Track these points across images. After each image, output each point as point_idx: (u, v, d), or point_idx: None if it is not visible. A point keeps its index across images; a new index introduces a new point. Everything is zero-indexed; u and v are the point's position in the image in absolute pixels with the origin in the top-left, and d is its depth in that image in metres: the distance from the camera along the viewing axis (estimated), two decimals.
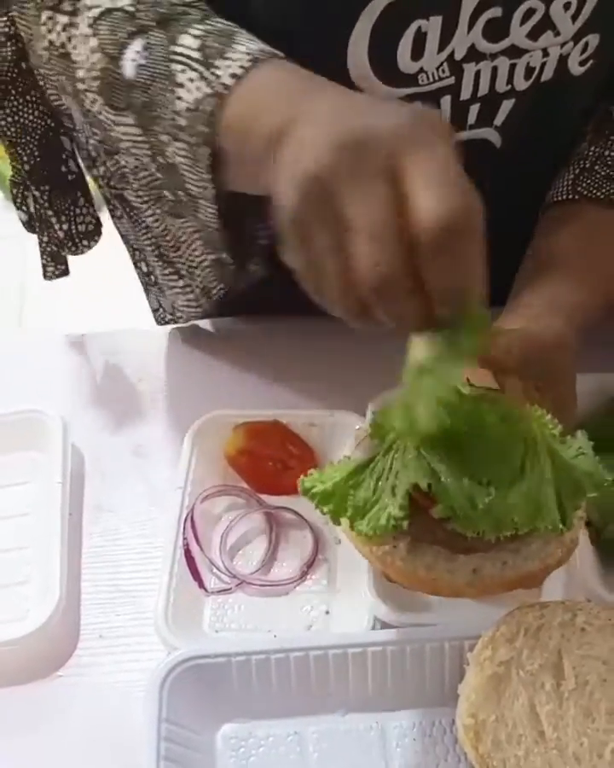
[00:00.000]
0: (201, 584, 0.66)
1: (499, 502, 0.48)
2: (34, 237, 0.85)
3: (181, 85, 0.57)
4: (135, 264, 0.86)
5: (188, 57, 0.57)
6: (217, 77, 0.55)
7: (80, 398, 0.81)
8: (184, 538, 0.66)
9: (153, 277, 0.85)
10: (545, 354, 0.58)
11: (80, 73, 0.64)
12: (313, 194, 0.44)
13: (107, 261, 0.88)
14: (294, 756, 0.58)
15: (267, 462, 0.71)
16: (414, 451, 0.49)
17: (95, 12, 0.62)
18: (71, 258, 0.85)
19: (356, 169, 0.44)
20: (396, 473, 0.49)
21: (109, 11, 0.61)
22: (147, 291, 0.92)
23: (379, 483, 0.50)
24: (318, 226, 0.45)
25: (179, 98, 0.57)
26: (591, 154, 0.69)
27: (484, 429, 0.49)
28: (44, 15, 0.65)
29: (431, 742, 0.58)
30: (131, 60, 0.59)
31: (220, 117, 0.54)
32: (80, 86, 0.65)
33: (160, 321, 0.91)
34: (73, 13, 0.64)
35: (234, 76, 0.54)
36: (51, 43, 0.66)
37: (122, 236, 0.85)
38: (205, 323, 0.87)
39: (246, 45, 0.56)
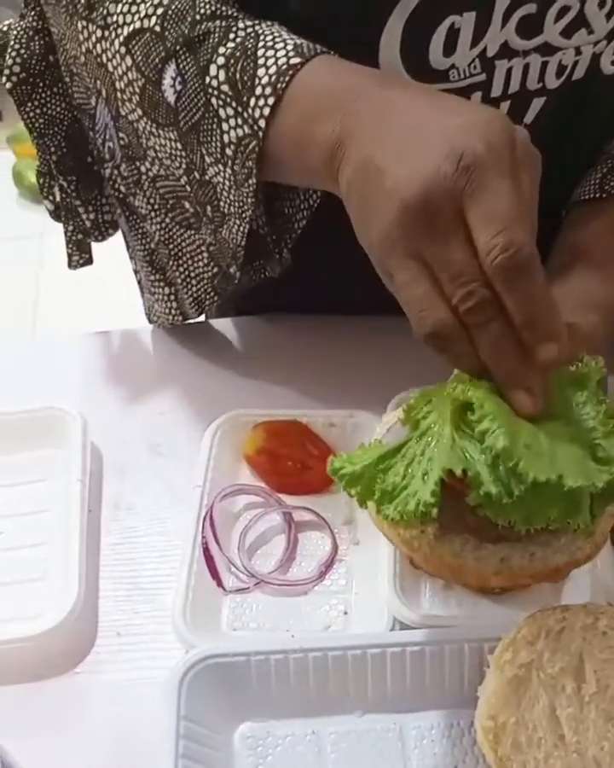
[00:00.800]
0: (220, 583, 0.65)
1: (534, 494, 0.47)
2: (49, 237, 0.85)
3: (223, 120, 0.59)
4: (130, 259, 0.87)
5: (222, 92, 0.59)
6: (252, 117, 0.57)
7: (98, 397, 0.81)
8: (203, 537, 0.66)
9: (138, 278, 0.86)
10: (578, 349, 0.56)
11: (120, 85, 0.65)
12: (394, 253, 0.49)
13: (123, 259, 0.88)
14: (312, 756, 0.58)
15: (286, 462, 0.71)
16: (449, 438, 0.48)
17: (126, 31, 0.63)
18: (86, 267, 0.87)
19: (426, 227, 0.48)
20: (428, 459, 0.48)
21: (139, 31, 0.62)
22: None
23: (409, 469, 0.49)
24: (407, 275, 0.49)
25: (224, 132, 0.59)
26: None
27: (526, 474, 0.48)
28: (79, 24, 0.66)
29: (449, 744, 0.58)
30: (170, 86, 0.61)
31: (263, 153, 0.57)
32: (119, 95, 0.66)
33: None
34: (105, 27, 0.65)
35: (266, 115, 0.56)
36: (88, 50, 0.66)
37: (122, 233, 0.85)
38: (224, 322, 0.87)
39: (274, 62, 0.57)
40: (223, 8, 0.61)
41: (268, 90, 0.56)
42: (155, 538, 0.70)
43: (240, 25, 0.60)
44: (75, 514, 0.67)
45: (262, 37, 0.58)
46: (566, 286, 0.62)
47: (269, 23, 0.61)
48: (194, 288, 0.79)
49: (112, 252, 0.88)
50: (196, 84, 0.60)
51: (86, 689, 0.62)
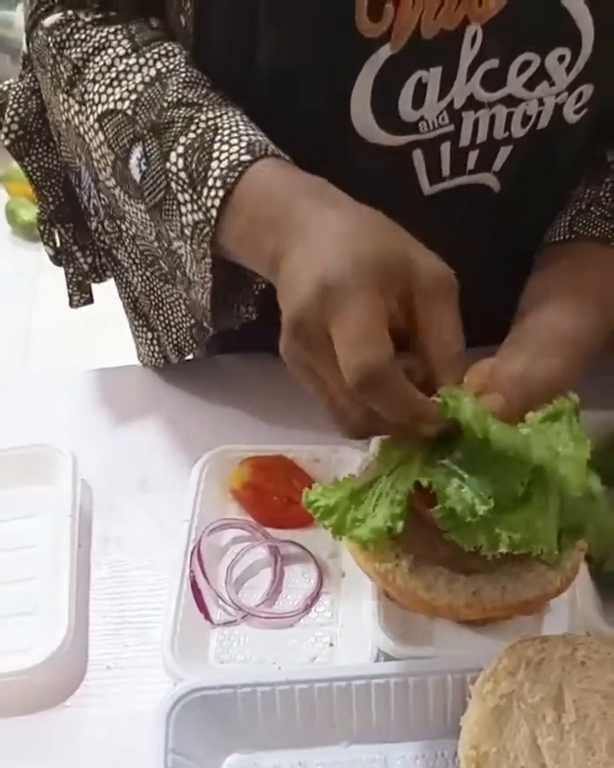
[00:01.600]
0: (207, 616, 0.66)
1: (498, 517, 0.49)
2: (42, 274, 0.88)
3: (182, 203, 0.63)
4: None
5: (180, 178, 0.63)
6: (205, 205, 0.61)
7: (88, 434, 0.82)
8: (191, 571, 0.67)
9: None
10: (549, 390, 0.58)
11: (95, 155, 0.69)
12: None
13: (115, 298, 0.90)
14: None
15: (272, 497, 0.72)
16: (418, 466, 0.51)
17: (99, 110, 0.67)
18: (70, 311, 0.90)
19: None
20: (396, 483, 0.51)
21: (112, 112, 0.67)
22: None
23: (380, 499, 0.52)
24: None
25: (182, 214, 0.63)
26: (587, 196, 0.71)
27: (492, 450, 0.50)
28: (61, 96, 0.70)
29: None
30: (136, 165, 0.65)
31: (217, 236, 0.61)
32: (95, 164, 0.69)
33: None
34: (83, 102, 0.69)
35: (216, 205, 0.60)
36: (68, 120, 0.70)
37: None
38: (211, 360, 0.89)
39: (227, 157, 0.61)
40: (190, 95, 0.65)
41: (219, 183, 0.60)
42: (144, 572, 0.71)
43: (203, 117, 0.64)
44: (65, 549, 0.68)
45: (219, 131, 0.62)
46: (538, 320, 0.64)
47: (231, 113, 0.64)
48: (175, 336, 0.83)
49: (104, 291, 0.90)
50: (158, 167, 0.64)
51: (76, 723, 0.63)
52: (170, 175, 0.63)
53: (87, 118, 0.68)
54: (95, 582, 0.70)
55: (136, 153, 0.65)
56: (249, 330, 0.83)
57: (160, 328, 0.84)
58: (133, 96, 0.66)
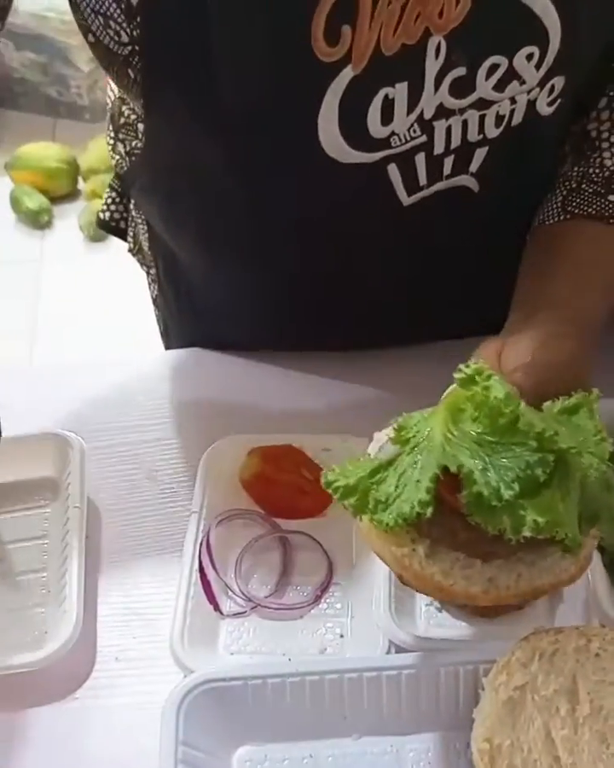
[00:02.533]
0: (217, 608, 0.66)
1: (522, 501, 0.49)
2: (47, 262, 0.88)
3: None
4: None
5: None
6: None
7: (96, 424, 0.81)
8: (200, 562, 0.67)
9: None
10: (560, 374, 0.58)
11: None
12: None
13: (122, 287, 0.89)
14: None
15: (281, 487, 0.72)
16: (440, 446, 0.50)
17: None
18: (84, 293, 0.90)
19: None
20: (420, 467, 0.51)
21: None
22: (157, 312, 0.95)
23: (402, 479, 0.51)
24: None
25: None
26: (575, 173, 0.70)
27: (518, 437, 0.50)
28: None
29: (445, 766, 0.58)
30: None
31: None
32: None
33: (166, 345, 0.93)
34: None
35: None
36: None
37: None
38: (211, 353, 0.88)
39: None
40: None
41: None
42: (153, 564, 0.70)
43: None
44: (74, 541, 0.68)
45: None
46: (542, 304, 0.64)
47: None
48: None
49: (111, 280, 0.90)
50: None
51: (86, 715, 0.63)
52: None
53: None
54: (103, 574, 0.70)
55: None
56: (258, 328, 0.83)
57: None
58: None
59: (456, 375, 0.53)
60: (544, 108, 0.67)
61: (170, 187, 0.75)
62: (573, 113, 0.71)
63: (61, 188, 2.41)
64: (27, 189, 2.36)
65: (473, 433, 0.51)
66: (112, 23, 0.62)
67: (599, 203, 0.68)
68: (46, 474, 0.75)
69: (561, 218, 0.69)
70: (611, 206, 0.68)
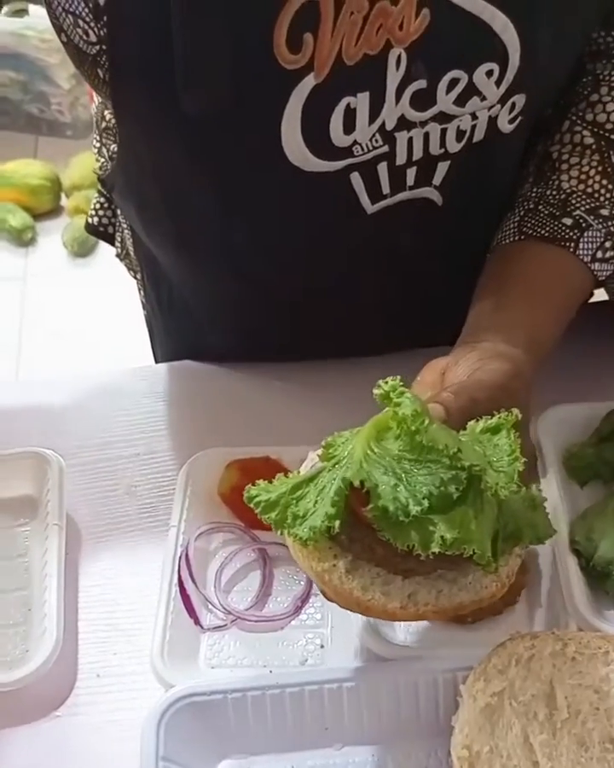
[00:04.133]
0: (197, 621, 0.66)
1: (432, 518, 0.49)
2: (32, 279, 0.89)
3: None
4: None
5: None
6: None
7: (75, 439, 0.82)
8: (179, 576, 0.67)
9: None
10: (492, 395, 0.59)
11: None
12: None
13: (105, 304, 0.90)
14: None
15: None
16: (358, 462, 0.51)
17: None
18: (68, 310, 0.91)
19: None
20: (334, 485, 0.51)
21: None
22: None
23: (320, 495, 0.52)
24: None
25: None
26: (533, 194, 0.71)
27: (434, 454, 0.51)
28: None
29: None
30: None
31: None
32: None
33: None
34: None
35: None
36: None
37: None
38: (197, 365, 0.88)
39: None
40: None
41: None
42: (133, 579, 0.70)
43: None
44: (53, 558, 0.68)
45: None
46: (489, 325, 0.66)
47: None
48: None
49: (95, 296, 0.90)
50: None
51: (68, 733, 0.62)
52: None
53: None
54: (83, 590, 0.70)
55: None
56: (237, 334, 0.84)
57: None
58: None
59: (374, 391, 0.53)
60: (505, 126, 0.68)
61: (143, 191, 0.76)
62: (536, 132, 0.72)
63: (44, 205, 2.42)
64: (10, 206, 2.36)
65: (394, 450, 0.51)
66: (80, 22, 0.63)
67: (552, 225, 0.69)
68: (25, 492, 0.75)
69: (516, 238, 0.70)
70: (564, 229, 0.68)
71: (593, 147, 0.70)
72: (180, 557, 0.68)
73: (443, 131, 0.66)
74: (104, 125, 0.84)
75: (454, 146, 0.67)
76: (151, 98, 0.64)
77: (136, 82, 0.64)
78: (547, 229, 0.69)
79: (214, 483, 0.73)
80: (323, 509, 0.51)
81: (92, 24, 0.62)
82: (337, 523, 0.50)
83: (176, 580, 0.67)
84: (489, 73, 0.63)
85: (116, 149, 0.80)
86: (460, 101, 0.64)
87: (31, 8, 2.35)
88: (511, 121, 0.68)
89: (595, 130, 0.70)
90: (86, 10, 0.62)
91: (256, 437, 0.78)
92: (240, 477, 0.73)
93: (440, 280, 0.75)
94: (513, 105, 0.66)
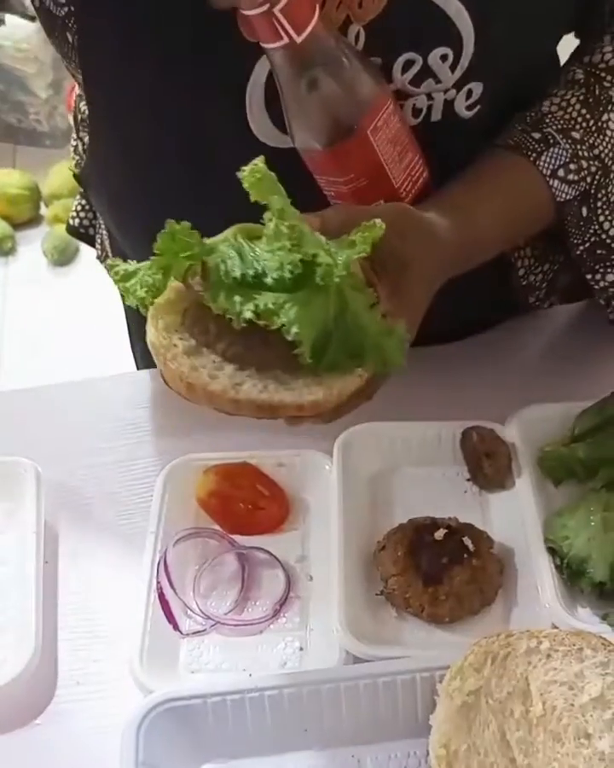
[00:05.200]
0: (176, 627, 0.66)
1: (259, 290, 0.50)
2: (10, 288, 0.89)
3: None
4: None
5: None
6: None
7: (53, 447, 0.82)
8: (158, 582, 0.67)
9: None
10: (373, 218, 0.56)
11: None
12: None
13: (84, 313, 0.90)
14: None
15: (238, 504, 0.72)
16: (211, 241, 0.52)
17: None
18: (48, 318, 0.91)
19: None
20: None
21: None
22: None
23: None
24: None
25: None
26: (515, 116, 0.72)
27: (280, 242, 0.51)
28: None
29: None
30: None
31: None
32: None
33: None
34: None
35: None
36: None
37: None
38: None
39: None
40: None
41: None
42: (112, 586, 0.70)
43: None
44: (31, 567, 0.68)
45: None
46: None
47: None
48: None
49: (75, 304, 0.91)
50: None
51: (48, 740, 0.62)
52: None
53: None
54: (62, 597, 0.70)
55: None
56: None
57: None
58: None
59: (240, 175, 0.54)
60: (463, 111, 0.69)
61: (114, 181, 0.77)
62: (498, 122, 0.72)
63: (24, 214, 2.41)
64: None
65: (255, 246, 0.52)
66: None
67: (521, 137, 0.70)
68: (3, 500, 0.75)
69: (485, 150, 0.71)
70: (531, 141, 0.70)
71: (582, 81, 0.71)
72: (158, 563, 0.68)
73: (400, 107, 0.67)
74: (80, 117, 0.85)
75: (410, 120, 0.69)
76: (116, 66, 0.66)
77: (102, 45, 0.65)
78: (515, 139, 0.70)
79: (192, 489, 0.74)
80: (159, 266, 0.52)
81: None
82: (162, 279, 0.52)
83: (154, 586, 0.67)
84: (444, 58, 0.65)
85: (88, 140, 0.81)
86: (416, 82, 0.66)
87: (7, 17, 2.35)
88: (469, 108, 0.69)
89: (588, 68, 0.72)
90: None
91: (234, 443, 0.78)
92: (218, 483, 0.73)
93: None
94: (470, 92, 0.68)
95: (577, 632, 0.59)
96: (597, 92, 0.71)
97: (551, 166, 0.69)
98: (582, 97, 0.71)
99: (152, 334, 0.55)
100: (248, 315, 0.50)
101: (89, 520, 0.76)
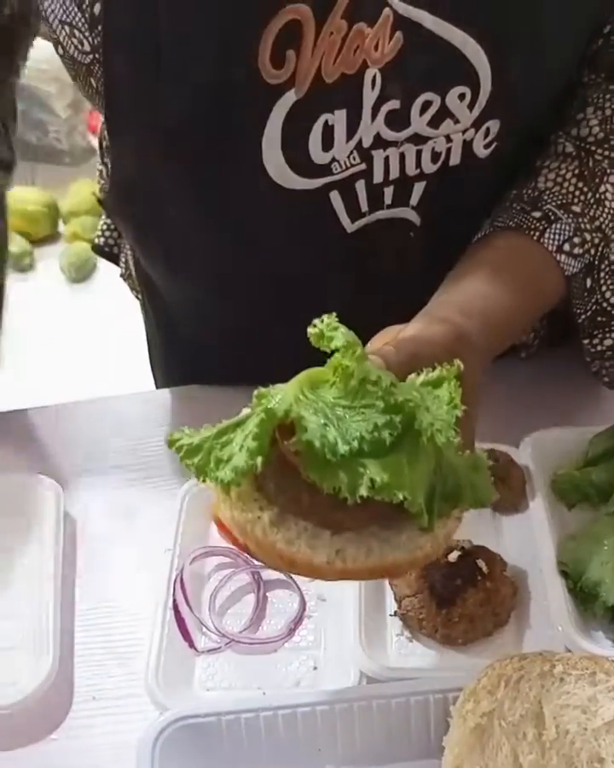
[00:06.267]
0: (191, 644, 0.67)
1: (361, 459, 0.46)
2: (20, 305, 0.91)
3: None
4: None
5: None
6: None
7: (72, 464, 0.83)
8: (174, 599, 0.68)
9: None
10: (435, 350, 0.56)
11: None
12: None
13: (103, 329, 0.91)
14: None
15: None
16: (287, 405, 0.47)
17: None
18: (67, 335, 0.92)
19: None
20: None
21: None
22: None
23: (246, 439, 0.47)
24: None
25: None
26: (510, 196, 0.72)
27: (368, 399, 0.47)
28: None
29: None
30: None
31: None
32: None
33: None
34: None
35: None
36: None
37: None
38: (189, 389, 0.90)
39: None
40: None
41: None
42: (128, 603, 0.71)
43: None
44: (48, 583, 0.69)
45: None
46: (445, 295, 0.66)
47: None
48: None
49: (94, 321, 0.92)
50: None
51: (63, 756, 0.63)
52: None
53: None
54: (79, 613, 0.71)
55: None
56: (227, 363, 0.85)
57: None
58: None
59: (310, 330, 0.50)
60: (481, 150, 0.70)
61: (134, 209, 0.78)
62: (515, 163, 0.73)
63: (42, 231, 2.44)
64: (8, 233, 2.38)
65: (329, 398, 0.48)
66: (76, 32, 0.66)
67: (521, 218, 0.70)
68: (22, 517, 0.76)
69: (486, 232, 0.71)
70: (533, 221, 0.69)
71: (573, 155, 0.72)
72: (175, 580, 0.69)
73: (419, 152, 0.68)
74: (105, 143, 0.86)
75: (429, 167, 0.70)
76: (138, 109, 0.67)
77: (125, 92, 0.67)
78: (515, 220, 0.70)
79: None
80: (246, 447, 0.46)
81: (87, 34, 0.65)
82: (260, 460, 0.46)
83: (171, 603, 0.68)
84: (462, 97, 0.66)
85: (111, 170, 0.83)
86: (434, 123, 0.67)
87: None
88: (486, 146, 0.70)
89: (577, 142, 0.72)
90: (82, 20, 0.65)
91: None
92: None
93: (421, 298, 0.76)
94: (488, 130, 0.69)
95: (590, 656, 0.60)
96: (591, 165, 0.71)
97: (556, 242, 0.69)
98: (576, 171, 0.71)
99: (227, 510, 0.50)
100: (365, 493, 0.46)
101: (107, 536, 0.77)
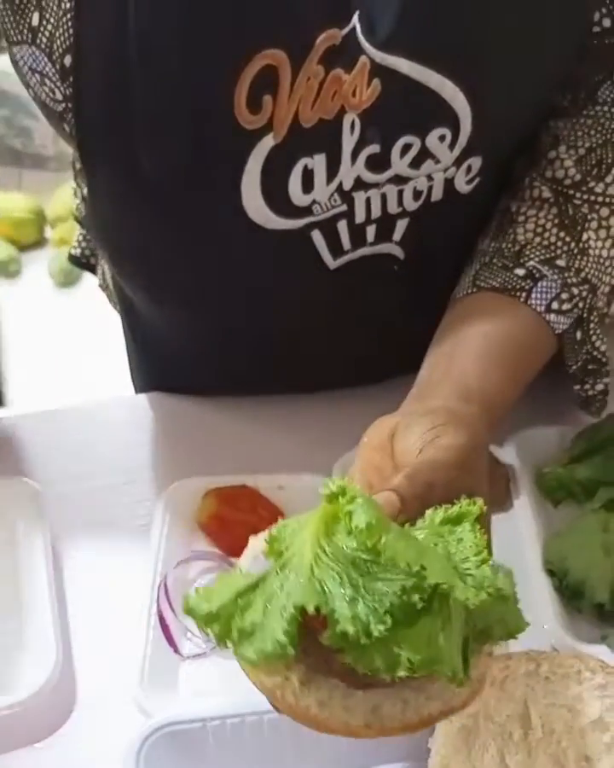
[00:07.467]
0: (176, 650, 0.67)
1: (395, 635, 0.43)
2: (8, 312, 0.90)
3: None
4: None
5: None
6: None
7: (55, 470, 0.82)
8: (158, 605, 0.67)
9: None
10: (447, 475, 0.53)
11: None
12: None
13: (90, 335, 0.91)
14: None
15: (238, 527, 0.73)
16: (308, 569, 0.44)
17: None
18: (54, 340, 0.92)
19: None
20: (287, 593, 0.44)
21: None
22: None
23: (269, 605, 0.44)
24: None
25: None
26: (490, 249, 0.71)
27: (391, 559, 0.44)
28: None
29: None
30: None
31: None
32: None
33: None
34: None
35: None
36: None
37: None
38: (174, 396, 0.89)
39: None
40: None
41: None
42: (113, 609, 0.71)
43: None
44: (38, 588, 0.68)
45: None
46: (445, 378, 0.63)
47: None
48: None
49: (81, 327, 0.92)
50: None
51: (49, 764, 0.62)
52: None
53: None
54: (67, 619, 0.70)
55: None
56: (204, 378, 0.84)
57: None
58: None
59: (322, 491, 0.47)
60: (463, 186, 0.69)
61: (112, 241, 0.77)
62: (497, 190, 0.72)
63: (29, 237, 2.43)
64: None
65: (347, 549, 0.44)
66: (47, 81, 0.65)
67: (504, 276, 0.68)
68: (7, 521, 0.75)
69: (470, 291, 0.69)
70: (515, 279, 0.68)
71: (551, 201, 0.70)
72: (159, 586, 0.69)
73: (400, 192, 0.68)
74: (78, 166, 0.86)
75: (411, 204, 0.69)
76: (113, 157, 0.66)
77: (99, 140, 0.66)
78: (499, 279, 0.68)
79: (193, 512, 0.74)
80: (275, 632, 0.43)
81: (58, 83, 0.64)
82: (290, 649, 0.43)
83: (155, 609, 0.67)
84: (442, 138, 0.65)
85: (87, 205, 0.82)
86: (415, 164, 0.66)
87: None
88: (468, 182, 0.69)
89: (553, 186, 0.70)
90: (53, 71, 0.64)
91: (234, 465, 0.79)
92: (218, 505, 0.74)
93: (407, 330, 0.75)
94: (469, 167, 0.68)
95: (576, 655, 0.59)
96: (570, 212, 0.69)
97: (544, 302, 0.67)
98: (556, 220, 0.69)
99: (252, 674, 0.48)
100: (404, 674, 0.43)
101: (89, 542, 0.76)
